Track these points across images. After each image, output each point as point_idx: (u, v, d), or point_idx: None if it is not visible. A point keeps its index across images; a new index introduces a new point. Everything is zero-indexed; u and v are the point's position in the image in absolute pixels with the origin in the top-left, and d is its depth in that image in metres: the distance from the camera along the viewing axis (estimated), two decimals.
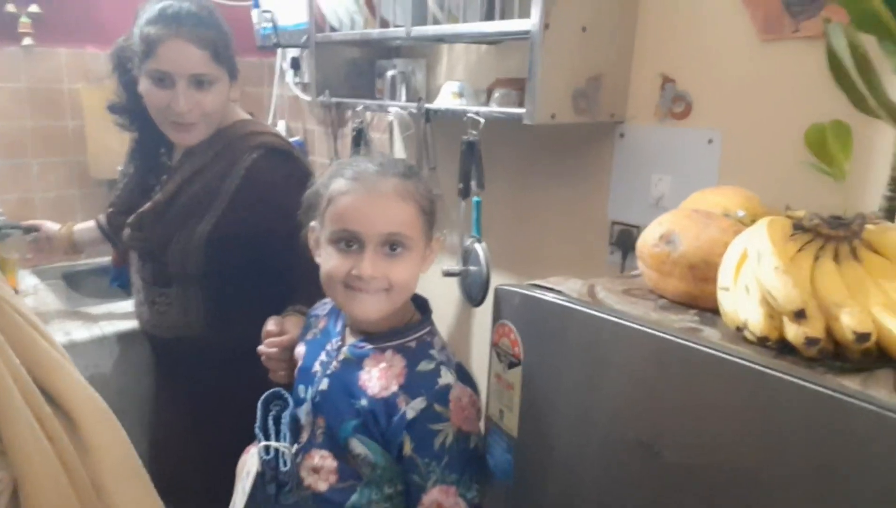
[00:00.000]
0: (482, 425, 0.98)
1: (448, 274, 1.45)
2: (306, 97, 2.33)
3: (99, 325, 1.65)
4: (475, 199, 1.42)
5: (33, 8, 2.02)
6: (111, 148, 2.11)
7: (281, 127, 2.52)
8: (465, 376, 1.02)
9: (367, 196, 0.96)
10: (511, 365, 0.85)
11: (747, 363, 0.64)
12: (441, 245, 1.07)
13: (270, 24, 2.09)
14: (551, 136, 1.53)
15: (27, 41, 2.03)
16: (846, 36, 0.72)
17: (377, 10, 1.54)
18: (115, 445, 0.56)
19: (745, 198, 0.94)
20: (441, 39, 1.52)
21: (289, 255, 1.21)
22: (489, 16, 1.37)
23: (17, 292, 1.72)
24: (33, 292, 1.90)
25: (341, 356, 1.03)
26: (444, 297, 1.80)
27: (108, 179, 2.20)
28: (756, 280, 0.69)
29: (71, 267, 2.20)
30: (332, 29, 1.71)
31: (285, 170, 1.37)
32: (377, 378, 0.98)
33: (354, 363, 1.02)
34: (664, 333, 0.70)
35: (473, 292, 1.45)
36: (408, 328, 1.04)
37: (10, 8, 1.99)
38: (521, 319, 0.83)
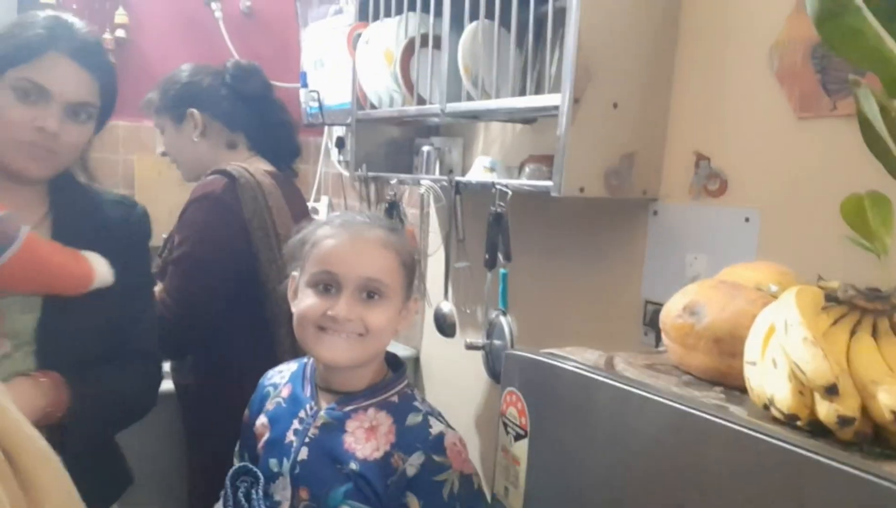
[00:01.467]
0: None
1: (471, 347, 1.41)
2: (347, 173, 2.38)
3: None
4: (502, 271, 1.39)
5: None
6: (158, 218, 2.17)
7: (323, 202, 2.57)
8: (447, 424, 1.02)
9: (349, 241, 0.98)
10: (517, 437, 0.79)
11: (774, 441, 0.57)
12: (417, 307, 1.06)
13: (316, 104, 2.16)
14: (581, 210, 1.51)
15: None
16: (877, 100, 0.68)
17: (415, 88, 1.58)
18: (55, 488, 0.53)
19: (779, 273, 0.89)
20: (475, 116, 1.54)
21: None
22: (523, 93, 1.39)
23: None
24: None
25: (319, 422, 0.99)
26: (465, 372, 1.75)
27: (154, 245, 2.25)
28: (783, 352, 0.64)
29: None
30: (373, 107, 1.75)
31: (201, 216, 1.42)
32: (365, 440, 0.95)
33: (335, 426, 0.98)
34: (685, 405, 0.64)
35: (497, 368, 1.39)
36: (385, 383, 1.02)
37: None
38: (529, 387, 0.78)
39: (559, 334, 1.57)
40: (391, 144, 1.91)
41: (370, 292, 0.97)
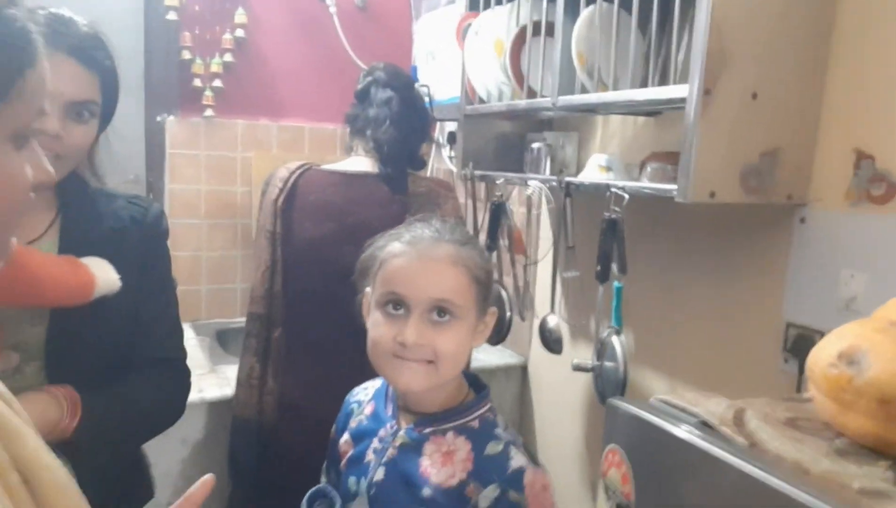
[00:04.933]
0: None
1: (579, 368, 1.28)
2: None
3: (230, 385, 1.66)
4: (616, 284, 1.25)
5: (217, 83, 2.20)
6: None
7: None
8: (532, 458, 0.95)
9: (417, 260, 0.94)
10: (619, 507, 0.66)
11: None
12: (494, 319, 1.00)
13: (427, 99, 2.09)
14: (711, 217, 1.32)
15: (209, 112, 2.21)
16: None
17: (525, 80, 1.46)
18: None
19: None
20: (590, 109, 1.40)
21: None
22: (644, 84, 1.23)
23: None
24: None
25: (398, 442, 0.97)
26: (575, 390, 1.61)
27: None
28: None
29: (225, 324, 2.29)
30: (482, 101, 1.65)
31: None
32: (441, 465, 0.91)
33: (413, 448, 0.95)
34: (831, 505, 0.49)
35: (608, 393, 1.25)
36: (466, 406, 0.97)
37: (197, 83, 2.18)
38: (636, 448, 0.64)
39: (681, 360, 1.40)
40: (502, 140, 1.80)
41: (440, 312, 0.93)
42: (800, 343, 1.17)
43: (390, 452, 0.97)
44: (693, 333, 1.37)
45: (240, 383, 1.50)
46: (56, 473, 0.52)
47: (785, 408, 0.72)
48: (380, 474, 0.96)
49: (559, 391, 1.72)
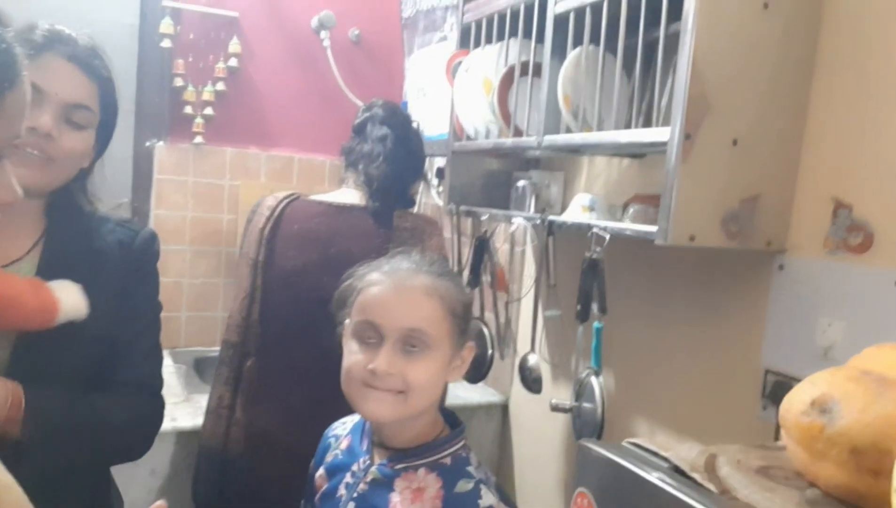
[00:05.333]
0: None
1: (557, 409, 1.27)
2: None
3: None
4: (596, 324, 1.24)
5: (208, 111, 2.21)
6: None
7: None
8: (504, 498, 0.95)
9: (392, 289, 0.94)
10: None
11: None
12: (472, 354, 0.99)
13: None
14: (693, 260, 1.33)
15: (198, 139, 2.21)
16: None
17: (512, 119, 1.48)
18: None
19: None
20: (575, 150, 1.41)
21: None
22: (629, 126, 1.25)
23: None
24: None
25: (369, 477, 0.96)
26: (555, 429, 1.59)
27: None
28: None
29: (203, 352, 2.26)
30: (469, 138, 1.66)
31: None
32: (411, 501, 0.90)
33: (384, 483, 0.94)
34: None
35: (586, 434, 1.24)
36: (439, 442, 0.96)
37: (188, 110, 2.19)
38: (606, 492, 0.63)
39: (660, 402, 1.39)
40: (489, 177, 1.82)
41: (413, 342, 0.92)
42: (779, 390, 1.16)
43: (361, 487, 0.96)
44: (672, 375, 1.36)
45: (208, 412, 1.48)
46: (14, 491, 0.51)
47: (758, 455, 0.71)
48: None
49: (540, 430, 1.70)
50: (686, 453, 0.68)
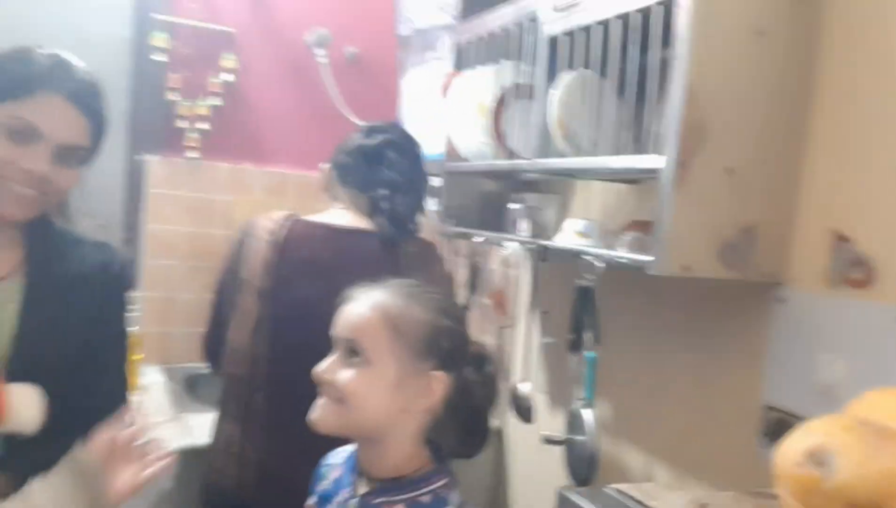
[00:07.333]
0: None
1: (549, 441, 1.22)
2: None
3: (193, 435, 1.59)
4: (588, 354, 1.20)
5: (202, 125, 2.19)
6: None
7: None
8: None
9: (349, 302, 0.97)
10: None
11: None
12: (443, 387, 0.92)
13: None
14: (690, 291, 1.29)
15: (192, 154, 2.19)
16: None
17: (504, 141, 1.45)
18: None
19: None
20: (568, 174, 1.38)
21: None
22: (623, 151, 1.22)
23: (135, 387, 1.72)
24: (145, 390, 1.90)
25: None
26: (549, 461, 1.55)
27: None
28: None
29: (196, 369, 2.21)
30: (462, 159, 1.64)
31: None
32: None
33: None
34: None
35: (579, 468, 1.20)
36: (421, 477, 0.93)
37: (182, 124, 2.16)
38: None
39: (657, 436, 1.34)
40: (485, 198, 1.79)
41: (355, 353, 0.94)
42: (779, 427, 1.11)
43: None
44: (669, 408, 1.32)
45: (216, 450, 1.40)
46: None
47: (752, 505, 0.67)
48: None
49: (535, 459, 1.65)
50: (675, 501, 0.64)
